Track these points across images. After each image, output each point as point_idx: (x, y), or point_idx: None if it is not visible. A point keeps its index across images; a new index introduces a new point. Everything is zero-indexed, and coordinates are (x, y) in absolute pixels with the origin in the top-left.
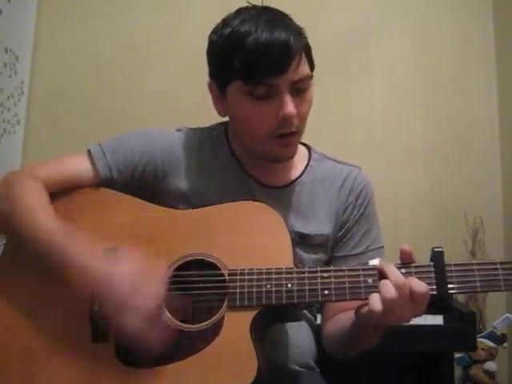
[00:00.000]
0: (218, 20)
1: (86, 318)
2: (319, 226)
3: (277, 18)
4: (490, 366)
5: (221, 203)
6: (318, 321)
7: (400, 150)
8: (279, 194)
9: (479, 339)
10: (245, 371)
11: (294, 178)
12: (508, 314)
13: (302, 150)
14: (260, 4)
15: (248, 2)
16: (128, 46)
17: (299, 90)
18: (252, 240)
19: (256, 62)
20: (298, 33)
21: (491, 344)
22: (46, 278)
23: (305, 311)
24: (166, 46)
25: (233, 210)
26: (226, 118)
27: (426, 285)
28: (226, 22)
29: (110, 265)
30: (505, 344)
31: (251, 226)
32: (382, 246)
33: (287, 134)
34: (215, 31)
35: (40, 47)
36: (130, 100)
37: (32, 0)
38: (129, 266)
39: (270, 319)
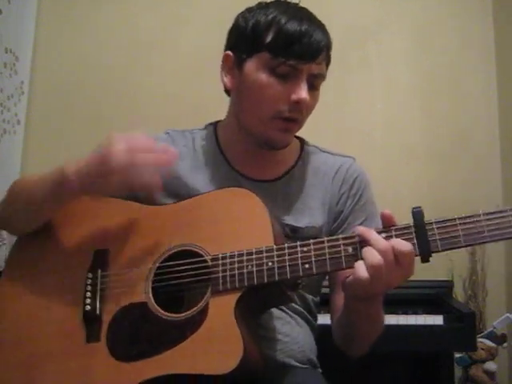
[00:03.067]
0: (218, 21)
1: (80, 320)
2: (311, 218)
3: (315, 19)
4: (490, 366)
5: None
6: (320, 321)
7: (399, 149)
8: (269, 188)
9: (479, 339)
10: (231, 352)
11: (285, 171)
12: (508, 314)
13: (294, 142)
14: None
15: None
16: (128, 47)
17: (313, 84)
18: (233, 225)
19: (292, 41)
20: (329, 39)
21: (491, 344)
22: (42, 282)
23: (303, 310)
24: (166, 46)
25: (214, 198)
26: (220, 118)
27: (409, 243)
28: (262, 6)
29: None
30: (505, 344)
31: (232, 212)
32: None
33: (291, 120)
34: (250, 11)
35: (40, 47)
36: (129, 100)
37: (32, 0)
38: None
39: (259, 301)
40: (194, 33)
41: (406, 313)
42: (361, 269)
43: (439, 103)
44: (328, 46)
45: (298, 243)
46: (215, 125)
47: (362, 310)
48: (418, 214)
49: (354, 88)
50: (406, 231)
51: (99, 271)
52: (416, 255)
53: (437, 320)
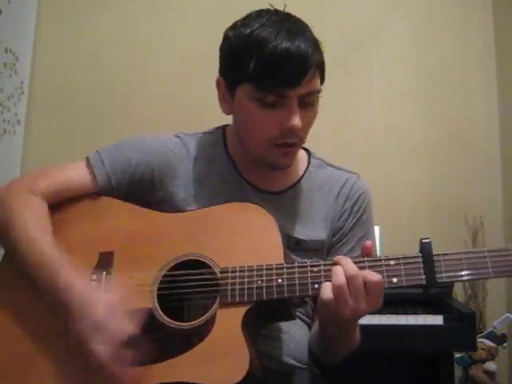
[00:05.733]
0: (217, 21)
1: None
2: (315, 231)
3: (297, 28)
4: (490, 366)
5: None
6: None
7: (400, 150)
8: (275, 200)
9: (479, 339)
10: (237, 366)
11: (291, 183)
12: (508, 314)
13: (301, 154)
14: (266, 5)
15: (270, 5)
16: (128, 47)
17: (307, 103)
18: (243, 239)
19: (272, 71)
20: (316, 46)
21: (491, 344)
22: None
23: (301, 315)
24: (166, 46)
25: (224, 211)
26: (223, 122)
27: (379, 275)
28: (245, 22)
29: (93, 291)
30: (505, 344)
31: (243, 226)
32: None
33: (289, 145)
34: (233, 28)
35: (40, 47)
36: (129, 100)
37: (32, 0)
38: (108, 298)
39: (263, 316)
40: (194, 34)
41: (405, 313)
42: (326, 289)
43: (439, 104)
44: (316, 58)
45: (309, 263)
46: (223, 129)
47: (335, 336)
48: (426, 245)
49: (354, 89)
50: (414, 260)
51: (104, 273)
52: (422, 284)
53: (437, 320)
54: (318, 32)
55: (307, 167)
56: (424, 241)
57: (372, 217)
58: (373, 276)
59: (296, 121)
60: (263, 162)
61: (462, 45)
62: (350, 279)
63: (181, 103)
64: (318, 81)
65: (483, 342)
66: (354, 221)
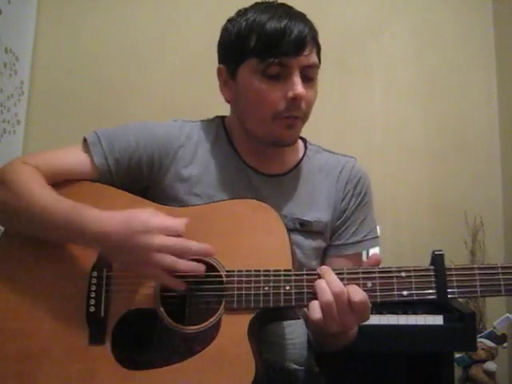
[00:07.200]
0: (217, 22)
1: (83, 320)
2: (318, 213)
3: (293, 11)
4: (490, 365)
5: (219, 198)
6: None
7: (400, 150)
8: (278, 182)
9: (479, 339)
10: (243, 374)
11: (292, 166)
12: (508, 314)
13: (298, 141)
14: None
15: None
16: (128, 46)
17: (308, 77)
18: (251, 240)
19: (274, 41)
20: (312, 27)
21: (491, 344)
22: (43, 274)
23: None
24: (166, 46)
25: (231, 209)
26: (223, 114)
27: (363, 293)
28: (241, 13)
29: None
30: (505, 344)
31: (250, 226)
32: (378, 237)
33: (293, 117)
34: (230, 21)
35: (40, 47)
36: (129, 100)
37: (32, 0)
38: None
39: (268, 320)
40: (194, 33)
41: (405, 313)
42: (314, 308)
43: (439, 104)
44: (312, 35)
45: (318, 271)
46: (222, 119)
47: (327, 342)
48: (439, 258)
49: (354, 89)
50: (425, 273)
51: (104, 270)
52: (433, 299)
53: (437, 320)
54: (318, 31)
55: (305, 152)
56: (436, 253)
57: (372, 200)
58: (355, 295)
59: (299, 89)
60: (268, 139)
61: (462, 45)
62: (335, 296)
63: (180, 103)
64: (316, 57)
65: (483, 341)
66: (357, 203)
